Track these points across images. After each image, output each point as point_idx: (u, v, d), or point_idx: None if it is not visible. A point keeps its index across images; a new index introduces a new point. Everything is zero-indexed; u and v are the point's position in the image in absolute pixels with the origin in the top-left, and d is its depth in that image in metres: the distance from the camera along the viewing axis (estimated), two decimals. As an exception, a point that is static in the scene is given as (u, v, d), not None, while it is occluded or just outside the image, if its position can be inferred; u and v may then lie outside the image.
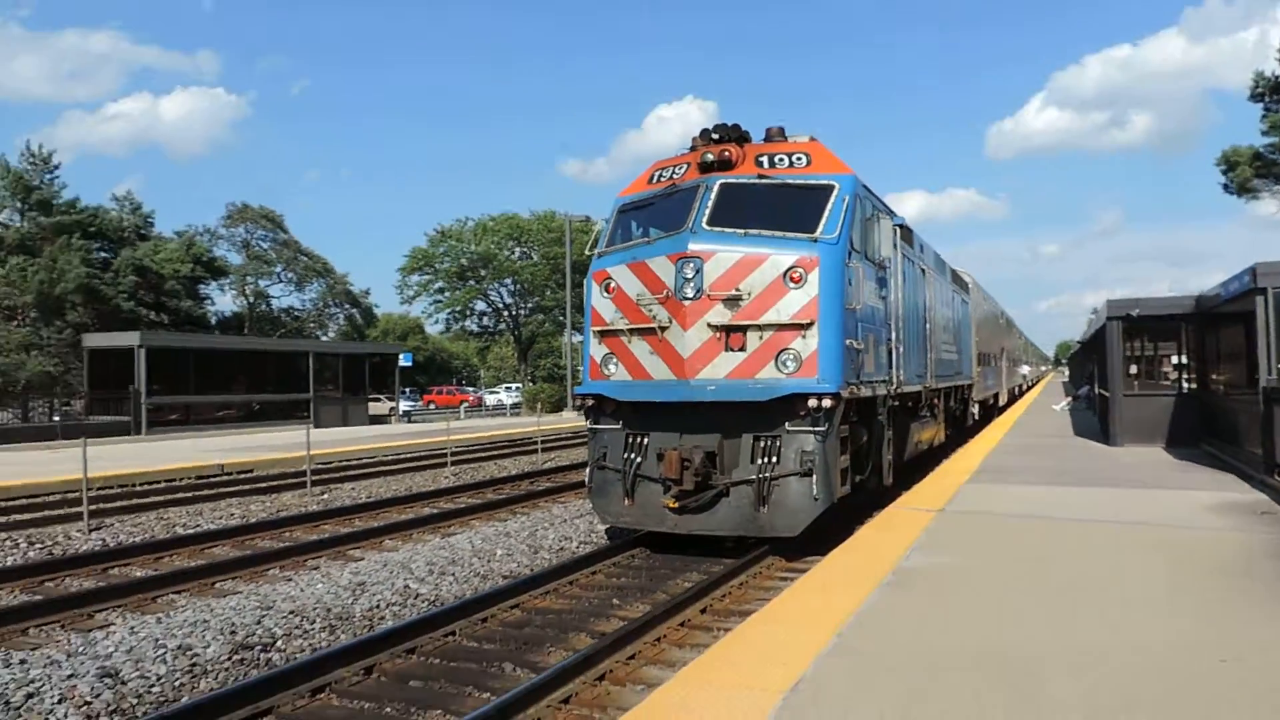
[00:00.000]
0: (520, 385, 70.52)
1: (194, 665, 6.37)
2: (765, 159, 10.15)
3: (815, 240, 9.35)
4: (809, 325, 9.08)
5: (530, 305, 65.23)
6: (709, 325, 9.27)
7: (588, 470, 10.45)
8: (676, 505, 9.42)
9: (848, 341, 9.41)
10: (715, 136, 10.40)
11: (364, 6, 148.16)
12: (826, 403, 8.95)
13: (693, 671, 4.68)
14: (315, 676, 5.98)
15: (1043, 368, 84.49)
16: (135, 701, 5.80)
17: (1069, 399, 33.12)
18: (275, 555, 10.03)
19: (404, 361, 45.58)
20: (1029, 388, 51.96)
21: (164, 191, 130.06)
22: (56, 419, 33.39)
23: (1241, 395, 12.97)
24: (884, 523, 9.14)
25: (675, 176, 10.60)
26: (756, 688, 4.33)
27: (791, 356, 9.11)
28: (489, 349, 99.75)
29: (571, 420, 38.03)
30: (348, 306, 76.55)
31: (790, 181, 9.95)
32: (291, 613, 7.58)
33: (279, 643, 6.98)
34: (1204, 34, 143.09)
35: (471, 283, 62.39)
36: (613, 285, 10.11)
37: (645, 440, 9.82)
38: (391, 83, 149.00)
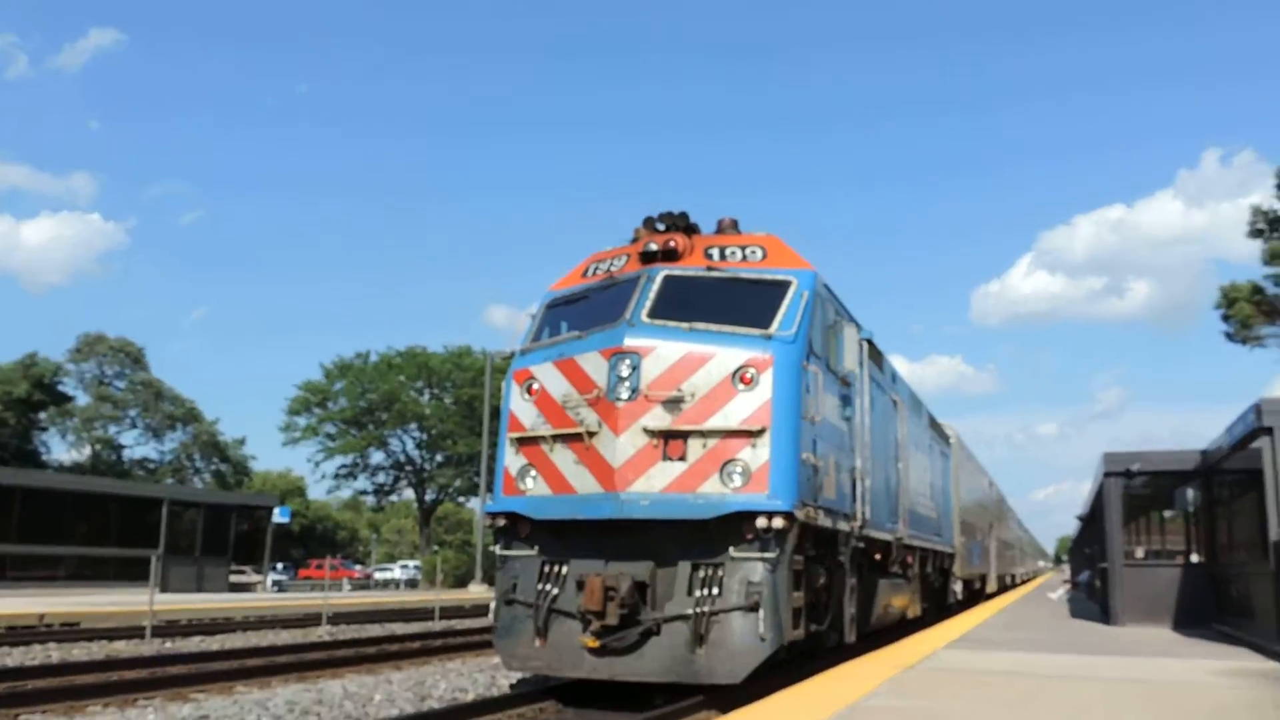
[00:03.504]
0: (419, 561, 68.04)
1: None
2: (715, 251, 10.60)
3: (770, 337, 9.68)
4: (760, 433, 9.27)
5: (439, 459, 63.79)
6: (645, 430, 9.41)
7: (493, 607, 10.28)
8: (597, 644, 9.28)
9: (804, 455, 9.60)
10: (660, 226, 10.86)
11: (275, 138, 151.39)
12: (778, 523, 9.04)
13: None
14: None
15: (1040, 562, 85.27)
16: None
17: (1067, 584, 33.54)
18: (98, 690, 9.62)
19: (280, 516, 44.55)
20: (1023, 580, 52.33)
21: (13, 325, 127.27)
22: None
23: (1254, 563, 13.35)
24: (842, 673, 9.17)
25: (613, 269, 10.97)
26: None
27: (739, 468, 9.25)
28: (383, 517, 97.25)
29: (479, 593, 37.21)
30: (216, 460, 74.65)
31: (743, 275, 10.38)
32: (113, 739, 7.28)
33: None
34: (1201, 198, 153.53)
35: (370, 428, 60.99)
36: (535, 386, 10.28)
37: (564, 569, 9.73)
38: (295, 215, 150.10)
